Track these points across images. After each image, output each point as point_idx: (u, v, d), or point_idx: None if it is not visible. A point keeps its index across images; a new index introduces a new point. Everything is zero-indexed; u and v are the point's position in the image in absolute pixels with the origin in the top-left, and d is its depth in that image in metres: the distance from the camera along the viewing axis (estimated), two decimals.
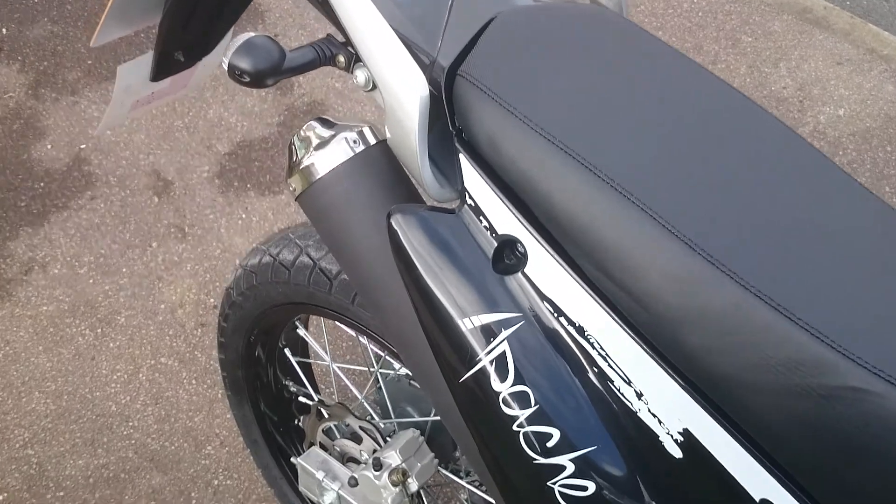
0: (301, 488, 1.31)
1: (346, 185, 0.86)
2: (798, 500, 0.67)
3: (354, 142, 0.87)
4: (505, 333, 0.76)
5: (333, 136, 0.88)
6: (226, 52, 0.83)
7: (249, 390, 1.44)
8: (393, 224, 0.79)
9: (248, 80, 0.82)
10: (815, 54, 2.49)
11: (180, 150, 2.21)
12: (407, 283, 0.80)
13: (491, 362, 0.77)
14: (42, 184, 2.12)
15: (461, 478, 1.32)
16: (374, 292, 0.89)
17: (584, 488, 0.75)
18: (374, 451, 1.22)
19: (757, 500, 0.68)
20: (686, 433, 0.71)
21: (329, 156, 0.87)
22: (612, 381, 0.74)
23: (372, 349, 1.32)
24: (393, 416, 1.31)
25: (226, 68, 0.84)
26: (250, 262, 1.21)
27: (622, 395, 0.74)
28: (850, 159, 2.26)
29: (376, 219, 0.83)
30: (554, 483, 0.77)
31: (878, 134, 2.33)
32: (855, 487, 0.63)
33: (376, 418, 1.32)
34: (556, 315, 0.76)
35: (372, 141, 0.88)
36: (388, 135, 0.84)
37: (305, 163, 0.87)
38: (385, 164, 0.87)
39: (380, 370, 1.32)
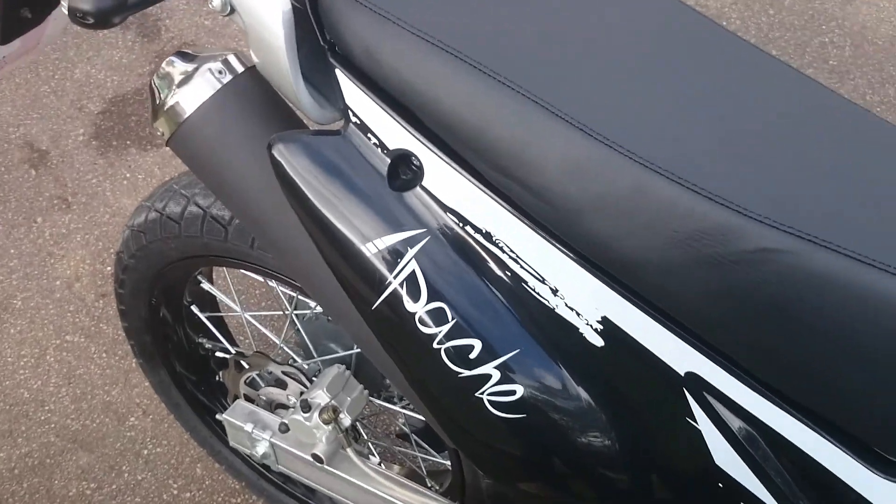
0: (232, 443, 1.27)
1: (218, 121, 0.80)
2: (722, 368, 0.67)
3: (220, 72, 0.81)
4: (411, 252, 0.73)
5: (196, 70, 0.82)
6: None
7: (161, 354, 1.38)
8: (275, 154, 0.74)
9: (91, 21, 0.75)
10: None
11: (51, 116, 2.07)
12: (301, 216, 0.76)
13: (401, 284, 0.74)
14: None
15: (395, 404, 1.31)
16: (270, 232, 0.84)
17: (513, 392, 0.74)
18: (301, 393, 1.19)
19: (682, 373, 0.68)
20: (605, 321, 0.70)
21: (194, 91, 0.81)
22: (526, 283, 0.72)
23: (283, 291, 1.28)
24: (316, 356, 1.28)
25: (66, 13, 0.76)
26: (137, 222, 1.14)
27: (538, 294, 0.72)
28: (734, 28, 2.28)
29: (257, 152, 0.78)
30: (482, 393, 0.75)
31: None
32: (778, 348, 0.63)
33: (299, 360, 1.29)
34: (461, 225, 0.73)
35: (239, 69, 0.82)
36: (256, 60, 0.78)
37: (169, 103, 0.81)
38: (257, 91, 0.82)
39: (294, 312, 1.28)
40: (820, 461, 0.67)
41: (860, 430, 0.65)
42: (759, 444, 0.69)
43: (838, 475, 0.67)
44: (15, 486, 1.60)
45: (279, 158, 0.74)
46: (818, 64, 2.22)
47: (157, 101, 0.82)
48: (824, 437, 0.66)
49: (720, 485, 0.72)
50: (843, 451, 0.66)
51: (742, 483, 0.71)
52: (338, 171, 0.74)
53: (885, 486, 0.65)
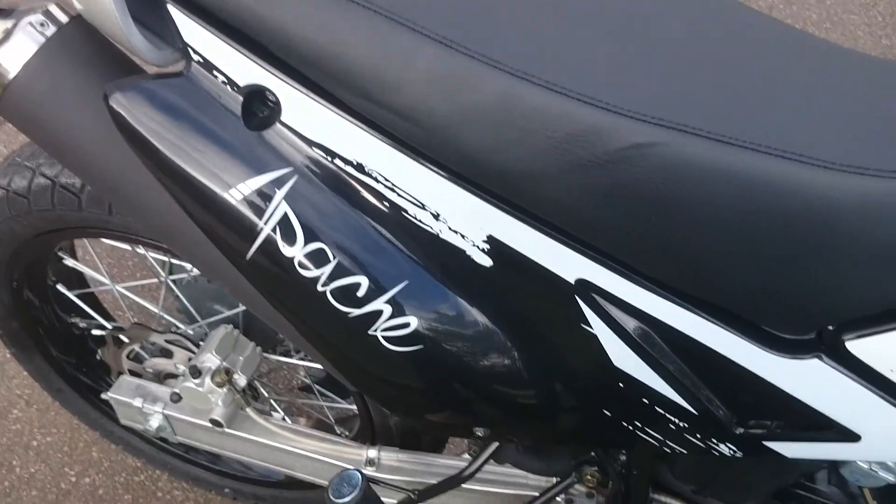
0: (123, 421, 1.21)
1: (48, 79, 0.72)
2: (613, 271, 0.67)
3: (41, 25, 0.73)
4: (280, 193, 0.69)
5: (15, 25, 0.73)
6: None
7: (33, 340, 1.29)
8: (114, 105, 0.67)
9: None
10: None
11: None
12: (153, 170, 0.70)
13: (274, 229, 0.70)
14: None
15: (292, 357, 1.27)
16: (124, 193, 0.78)
17: (407, 325, 0.72)
18: (189, 359, 1.13)
19: (572, 281, 0.68)
20: (490, 239, 0.68)
21: (16, 50, 0.73)
22: (405, 211, 0.69)
23: (154, 258, 1.21)
24: (200, 319, 1.22)
25: None
26: None
27: (419, 221, 0.69)
28: None
29: (95, 107, 0.71)
30: (375, 330, 0.73)
31: None
32: (663, 243, 0.63)
33: (182, 327, 1.23)
34: (329, 158, 0.69)
35: (63, 19, 0.74)
36: (79, 6, 0.70)
37: None
38: (85, 41, 0.74)
39: (170, 278, 1.21)
40: (714, 348, 0.68)
41: (749, 312, 0.66)
42: (654, 340, 0.70)
43: (733, 359, 0.68)
44: None
45: (118, 109, 0.68)
46: None
47: None
48: (716, 324, 0.67)
49: (621, 385, 0.73)
50: (736, 335, 0.67)
51: (642, 380, 0.72)
52: (186, 115, 0.68)
53: (776, 362, 0.66)
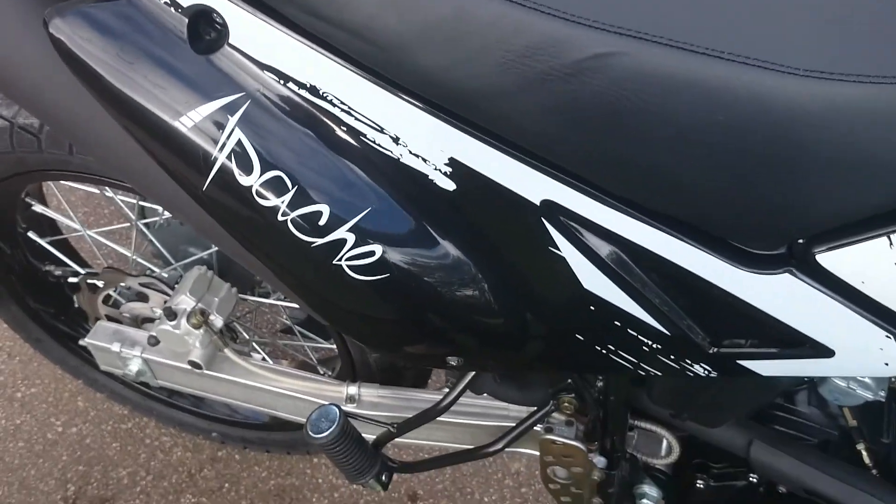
0: (102, 367, 1.20)
1: None
2: (578, 191, 0.65)
3: None
4: (233, 120, 0.67)
5: None
6: None
7: (8, 289, 1.28)
8: (54, 32, 0.65)
9: None
10: None
11: None
12: (99, 99, 0.67)
13: (229, 157, 0.68)
14: None
15: (270, 298, 1.26)
16: (78, 129, 0.76)
17: (371, 253, 0.70)
18: (165, 302, 1.12)
19: (537, 203, 0.66)
20: (452, 162, 0.66)
21: None
22: (364, 135, 0.67)
23: (123, 200, 1.19)
24: (174, 262, 1.21)
25: None
26: None
27: (379, 145, 0.67)
28: None
29: (35, 34, 0.68)
30: (340, 260, 0.71)
31: None
32: (626, 157, 0.61)
33: (156, 270, 1.22)
34: (282, 82, 0.66)
35: None
36: None
37: None
38: None
39: (141, 221, 1.19)
40: (684, 266, 0.66)
41: (717, 228, 0.65)
42: (622, 260, 0.68)
43: (704, 276, 0.66)
44: None
45: (59, 36, 0.65)
46: None
47: None
48: (684, 241, 0.65)
49: (592, 308, 0.71)
50: (705, 252, 0.65)
51: (613, 302, 0.71)
52: (130, 39, 0.65)
53: (747, 278, 0.65)
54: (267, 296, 1.27)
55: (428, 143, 0.66)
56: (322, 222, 0.69)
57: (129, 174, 0.80)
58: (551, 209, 0.66)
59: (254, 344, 1.39)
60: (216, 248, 1.17)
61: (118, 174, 0.79)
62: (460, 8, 0.58)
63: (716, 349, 0.72)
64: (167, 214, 1.19)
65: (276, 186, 0.68)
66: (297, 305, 1.26)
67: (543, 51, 0.58)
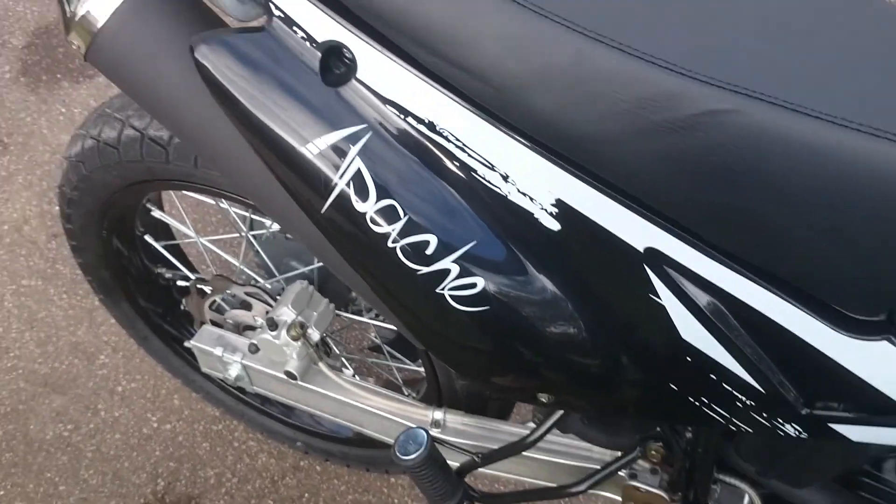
0: (204, 370, 1.26)
1: (135, 27, 0.75)
2: (683, 241, 0.66)
3: None
4: (354, 149, 0.70)
5: None
6: None
7: (122, 288, 1.35)
8: (199, 58, 0.70)
9: None
10: None
11: None
12: (235, 122, 0.72)
13: (348, 184, 0.71)
14: None
15: (363, 316, 1.30)
16: (208, 144, 0.81)
17: (474, 285, 0.73)
18: (267, 312, 1.17)
19: (641, 249, 0.67)
20: (559, 203, 0.68)
21: None
22: (475, 171, 0.70)
23: (237, 212, 1.25)
24: (277, 274, 1.26)
25: None
26: (73, 152, 1.10)
27: (488, 182, 0.70)
28: None
29: (181, 57, 0.73)
30: (442, 289, 0.74)
31: None
32: (734, 212, 0.62)
33: (261, 281, 1.27)
34: (402, 116, 0.70)
35: None
36: None
37: (80, 12, 0.75)
38: None
39: (251, 233, 1.25)
40: (783, 324, 0.66)
41: (819, 290, 0.65)
42: (722, 313, 0.69)
43: (802, 337, 0.66)
44: None
45: (203, 61, 0.70)
46: None
47: (67, 13, 0.77)
48: (785, 300, 0.65)
49: (688, 359, 0.72)
50: (805, 312, 0.65)
51: (710, 355, 0.71)
52: (266, 69, 0.70)
53: (845, 342, 0.64)
54: (359, 313, 1.31)
55: (536, 182, 0.68)
56: (429, 251, 0.72)
57: (251, 191, 0.84)
58: (654, 257, 0.67)
59: (343, 359, 1.43)
60: (317, 265, 1.21)
61: (240, 189, 0.84)
62: (579, 55, 0.60)
63: (808, 410, 0.71)
64: (275, 228, 1.24)
65: (389, 214, 0.71)
66: (388, 325, 1.29)
67: (658, 103, 0.59)
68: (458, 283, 0.73)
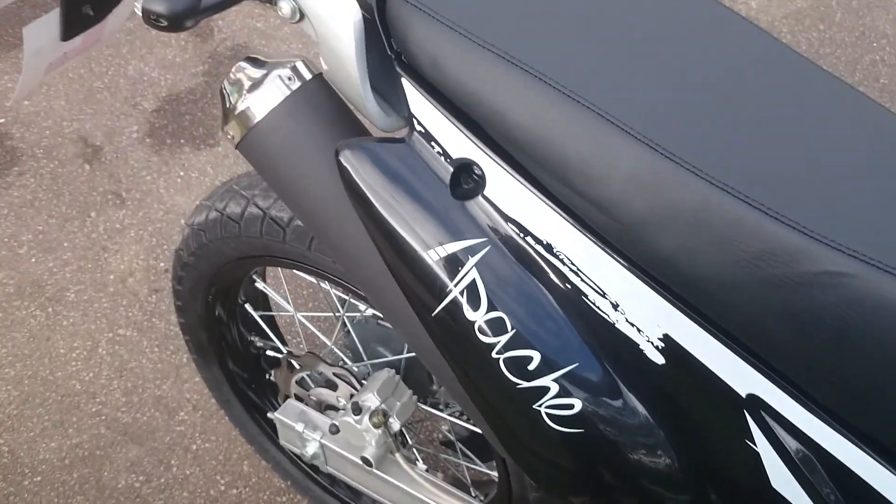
0: (282, 442, 1.29)
1: (287, 126, 0.81)
2: (784, 391, 0.67)
3: (289, 79, 0.82)
4: (472, 261, 0.74)
5: (266, 76, 0.83)
6: None
7: (215, 351, 1.40)
8: (342, 161, 0.75)
9: (164, 24, 0.76)
10: None
11: (104, 112, 2.11)
12: (365, 221, 0.77)
13: (461, 292, 0.74)
14: None
15: (441, 410, 1.32)
16: (332, 235, 0.85)
17: (571, 406, 0.74)
18: (352, 395, 1.20)
19: (743, 395, 0.68)
20: (666, 338, 0.69)
21: (264, 97, 0.82)
22: (586, 296, 0.72)
23: (335, 294, 1.29)
24: (366, 359, 1.29)
25: (140, 14, 0.78)
26: (197, 220, 1.17)
27: (598, 308, 0.72)
28: (785, 41, 2.25)
29: (324, 157, 0.79)
30: (539, 405, 0.75)
31: (810, 13, 2.32)
32: (841, 373, 0.63)
33: (349, 363, 1.30)
34: (522, 235, 0.73)
35: (307, 75, 0.83)
36: (325, 67, 0.79)
37: (240, 108, 0.82)
38: (325, 98, 0.83)
39: (346, 314, 1.29)
40: (879, 490, 0.66)
41: None
42: (816, 468, 0.68)
43: (893, 501, 0.65)
44: (65, 476, 1.63)
45: (346, 165, 0.75)
46: (868, 82, 2.18)
47: (228, 106, 0.84)
48: (883, 465, 0.65)
49: None
50: None
51: None
52: (402, 178, 0.74)
53: None
54: (437, 407, 1.33)
55: (646, 315, 0.70)
56: (531, 367, 0.74)
57: (363, 282, 0.88)
58: (756, 404, 0.68)
59: (414, 450, 1.44)
60: (406, 355, 1.24)
61: (353, 279, 0.88)
62: (706, 202, 0.63)
63: None
64: (369, 312, 1.28)
65: (497, 326, 0.74)
66: (465, 423, 1.31)
67: (778, 258, 0.61)
68: (556, 402, 0.75)
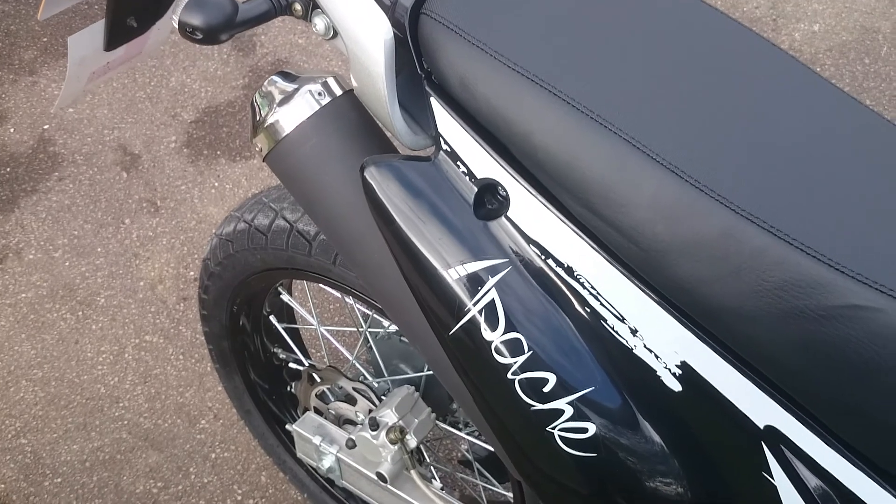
0: (299, 454, 1.29)
1: (315, 141, 0.82)
2: (804, 424, 0.66)
3: (319, 94, 0.83)
4: (492, 281, 0.74)
5: (297, 90, 0.84)
6: (174, 9, 0.78)
7: (238, 361, 1.42)
8: (367, 177, 0.76)
9: (200, 36, 0.78)
10: None
11: (145, 121, 2.15)
12: (387, 238, 0.77)
13: (480, 311, 0.74)
14: (8, 169, 2.06)
15: (460, 430, 1.31)
16: (355, 250, 0.86)
17: (585, 430, 0.74)
18: (370, 410, 1.20)
19: (761, 426, 0.67)
20: (684, 366, 0.69)
21: (294, 111, 0.83)
22: (605, 320, 0.72)
23: (359, 309, 1.30)
24: (386, 375, 1.30)
25: (176, 26, 0.79)
26: (225, 231, 1.18)
27: (616, 332, 0.72)
28: (828, 74, 2.23)
29: (350, 173, 0.80)
30: (553, 428, 0.75)
31: (855, 47, 2.30)
32: (861, 406, 0.62)
33: (369, 378, 1.31)
34: (543, 257, 0.73)
35: (338, 92, 0.84)
36: (355, 84, 0.80)
37: (270, 120, 0.84)
38: (354, 115, 0.84)
39: (368, 329, 1.30)
40: None
41: None
42: (833, 502, 0.67)
43: None
44: (85, 479, 1.65)
45: (370, 181, 0.76)
46: None
47: (258, 118, 0.85)
48: None
49: None
50: None
51: None
52: (426, 196, 0.75)
53: None
54: (456, 426, 1.32)
55: (665, 342, 0.70)
56: (546, 389, 0.74)
57: (384, 297, 0.89)
58: (774, 436, 0.67)
59: (432, 468, 1.44)
60: (425, 373, 1.24)
61: (374, 294, 0.89)
62: (729, 231, 0.63)
63: None
64: (391, 329, 1.29)
65: (514, 347, 0.74)
66: (483, 444, 1.30)
67: (801, 289, 0.61)
68: (570, 425, 0.74)
